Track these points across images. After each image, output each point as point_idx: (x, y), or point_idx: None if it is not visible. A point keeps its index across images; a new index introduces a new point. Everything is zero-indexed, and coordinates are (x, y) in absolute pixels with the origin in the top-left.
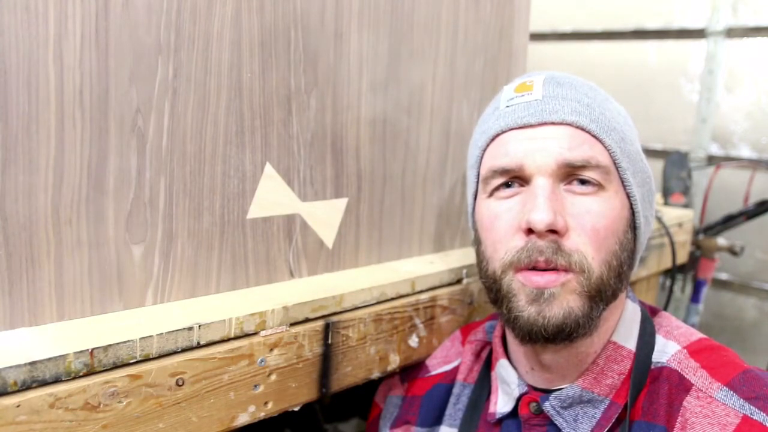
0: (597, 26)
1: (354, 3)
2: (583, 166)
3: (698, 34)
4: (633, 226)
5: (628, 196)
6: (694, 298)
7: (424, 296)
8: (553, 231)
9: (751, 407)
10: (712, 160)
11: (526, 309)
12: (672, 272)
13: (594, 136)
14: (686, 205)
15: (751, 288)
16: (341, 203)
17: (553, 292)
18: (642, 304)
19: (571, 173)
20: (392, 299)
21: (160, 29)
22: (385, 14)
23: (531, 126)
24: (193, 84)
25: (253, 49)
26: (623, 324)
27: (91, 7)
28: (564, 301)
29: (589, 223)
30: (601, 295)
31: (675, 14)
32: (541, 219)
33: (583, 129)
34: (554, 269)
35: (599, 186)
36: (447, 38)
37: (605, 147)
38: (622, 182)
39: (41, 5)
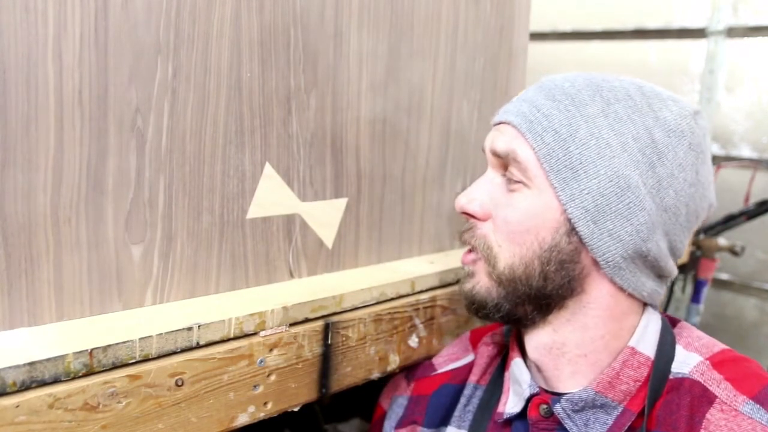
0: (597, 26)
1: (354, 3)
2: (506, 159)
3: (699, 33)
4: (575, 231)
5: (560, 201)
6: (695, 298)
7: (424, 296)
8: (470, 215)
9: None
10: (712, 159)
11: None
12: None
13: (522, 135)
14: None
15: (751, 288)
16: (341, 203)
17: (470, 270)
18: (662, 314)
19: (503, 165)
20: (392, 299)
21: (159, 29)
22: (385, 14)
23: (495, 123)
24: (192, 84)
25: (253, 49)
26: (641, 331)
27: (90, 6)
28: (476, 280)
29: (501, 214)
30: (515, 288)
31: (675, 14)
32: (456, 201)
33: (516, 128)
34: (474, 250)
35: (523, 184)
36: (447, 38)
37: (530, 145)
38: (551, 184)
39: (40, 5)
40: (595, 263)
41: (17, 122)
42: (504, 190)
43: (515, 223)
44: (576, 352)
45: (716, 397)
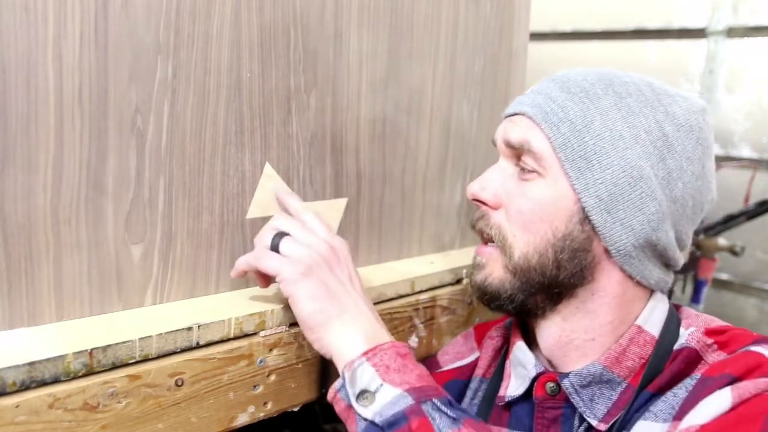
0: (597, 26)
1: (354, 3)
2: (520, 149)
3: (699, 33)
4: (587, 220)
5: (574, 190)
6: (695, 298)
7: (423, 296)
8: (482, 202)
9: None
10: None
11: (470, 271)
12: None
13: (537, 125)
14: None
15: (751, 288)
16: (341, 203)
17: (481, 261)
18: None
19: (517, 155)
20: (392, 299)
21: (159, 29)
22: (385, 14)
23: (508, 115)
24: (192, 84)
25: (253, 49)
26: (648, 312)
27: (90, 6)
28: (488, 270)
29: (514, 204)
30: (529, 278)
31: (675, 14)
32: (468, 188)
33: (531, 118)
34: (489, 239)
35: (537, 173)
36: (447, 38)
37: (546, 136)
38: (565, 174)
39: (40, 5)
40: (606, 252)
41: (17, 122)
42: (516, 180)
43: (529, 212)
44: (584, 337)
45: (702, 359)
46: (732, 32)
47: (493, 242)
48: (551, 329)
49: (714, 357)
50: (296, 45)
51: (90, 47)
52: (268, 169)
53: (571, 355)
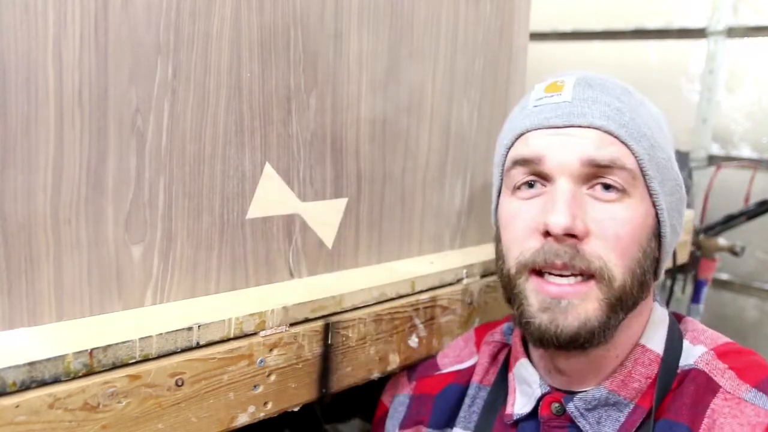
0: (597, 26)
1: (354, 3)
2: (609, 167)
3: (699, 33)
4: (658, 234)
5: (654, 205)
6: (695, 298)
7: (424, 296)
8: (571, 235)
9: None
10: (712, 160)
11: (537, 316)
12: (672, 272)
13: (622, 142)
14: (687, 205)
15: (751, 288)
16: (341, 203)
17: (571, 302)
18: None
19: (595, 175)
20: (392, 299)
21: (159, 29)
22: (385, 14)
23: (557, 127)
24: (192, 84)
25: (253, 49)
26: (651, 328)
27: (90, 6)
28: (582, 310)
29: (611, 229)
30: (622, 304)
31: (675, 14)
32: (557, 222)
33: (610, 134)
34: (573, 275)
35: (623, 192)
36: (447, 38)
37: (633, 153)
38: (649, 190)
39: (40, 5)
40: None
41: (17, 122)
42: (591, 201)
43: (626, 236)
44: (606, 355)
45: (720, 386)
46: (732, 32)
47: (581, 275)
48: (590, 356)
49: (731, 384)
50: (296, 45)
51: (90, 47)
52: (268, 169)
53: (589, 375)
